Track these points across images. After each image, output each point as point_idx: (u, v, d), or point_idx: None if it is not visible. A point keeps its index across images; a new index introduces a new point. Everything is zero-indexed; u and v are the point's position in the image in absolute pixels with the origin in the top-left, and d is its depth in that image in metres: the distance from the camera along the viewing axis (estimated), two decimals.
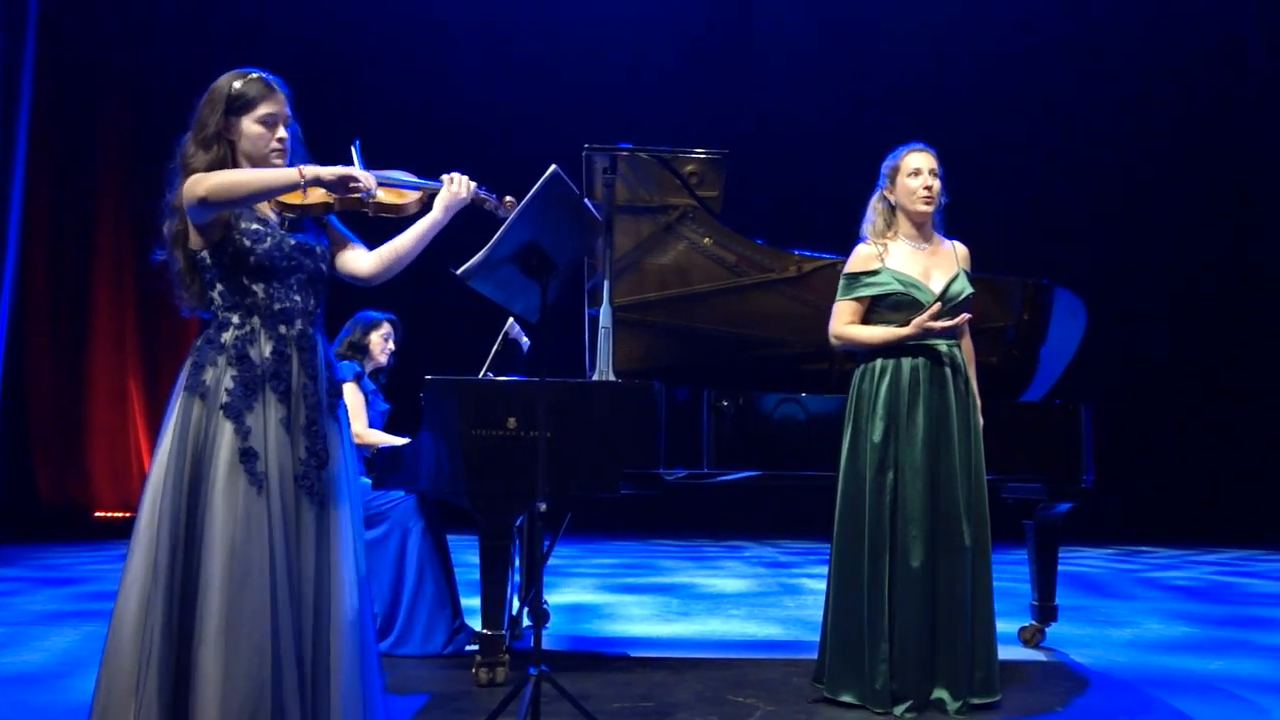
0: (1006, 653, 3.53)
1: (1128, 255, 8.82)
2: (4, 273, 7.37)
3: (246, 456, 1.86)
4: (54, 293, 8.01)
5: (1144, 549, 7.80)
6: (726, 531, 8.36)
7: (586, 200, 3.39)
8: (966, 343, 2.97)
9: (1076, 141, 8.92)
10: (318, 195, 1.93)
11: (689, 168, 3.48)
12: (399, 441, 3.44)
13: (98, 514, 7.98)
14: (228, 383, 1.89)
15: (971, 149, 8.38)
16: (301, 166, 1.91)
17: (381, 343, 3.79)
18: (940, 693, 2.71)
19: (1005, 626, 3.88)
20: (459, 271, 2.10)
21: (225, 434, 1.87)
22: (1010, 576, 4.72)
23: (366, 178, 1.93)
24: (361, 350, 3.76)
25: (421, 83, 8.65)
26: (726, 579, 5.69)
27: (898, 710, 2.68)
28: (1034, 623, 3.73)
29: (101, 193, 8.13)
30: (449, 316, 4.82)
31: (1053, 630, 3.77)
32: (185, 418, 1.88)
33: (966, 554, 2.71)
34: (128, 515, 7.83)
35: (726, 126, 8.30)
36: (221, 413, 1.88)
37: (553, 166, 2.05)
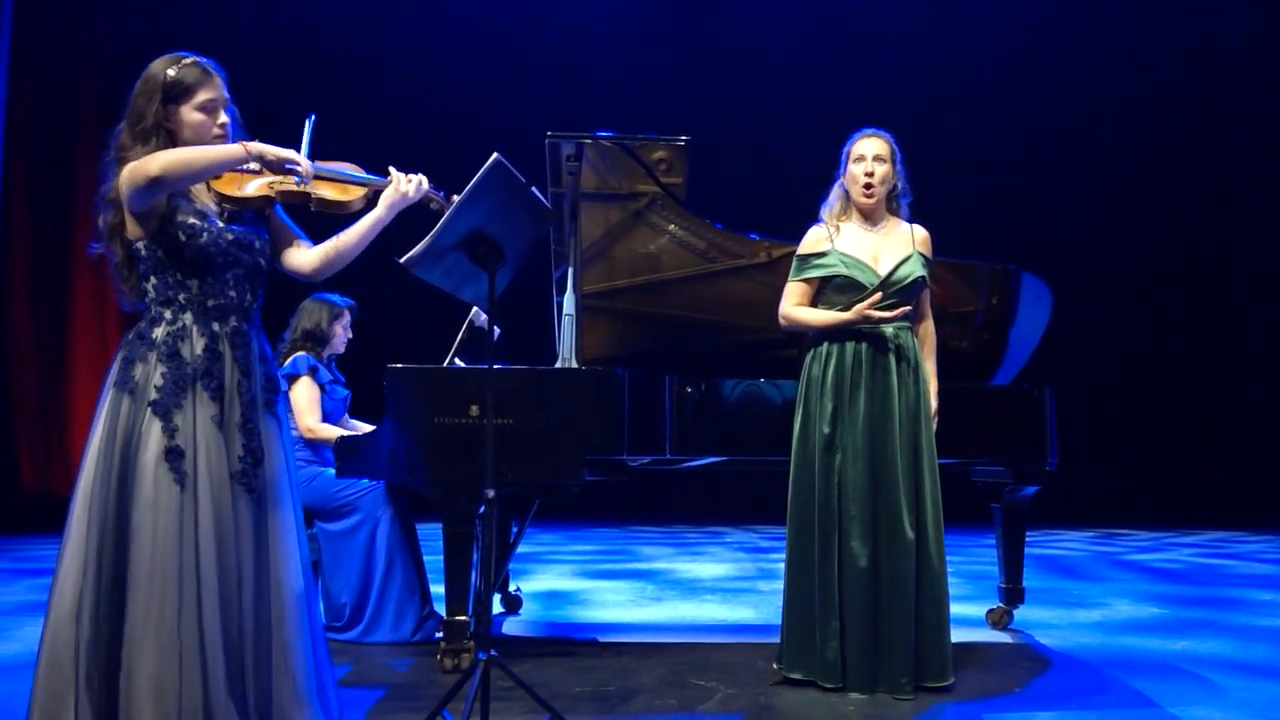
0: (973, 635, 3.57)
1: (1109, 242, 8.84)
2: None
3: (172, 454, 1.86)
4: (34, 282, 7.97)
5: (1123, 532, 7.86)
6: (708, 517, 8.40)
7: (551, 189, 3.43)
8: (927, 327, 2.99)
9: (1058, 130, 8.93)
10: (258, 188, 1.93)
11: (656, 154, 3.48)
12: (364, 430, 3.44)
13: None
14: (157, 379, 1.88)
15: (950, 136, 8.40)
16: (246, 143, 1.91)
17: (342, 332, 3.74)
18: (886, 675, 2.73)
19: (975, 609, 3.94)
20: (403, 260, 2.10)
21: (153, 431, 1.86)
22: (986, 560, 4.76)
23: (305, 164, 1.92)
24: (321, 341, 3.68)
25: (386, 68, 8.60)
26: (705, 564, 5.72)
27: (849, 694, 2.71)
28: (1001, 605, 3.76)
29: (81, 178, 8.07)
30: (409, 302, 4.82)
31: (1022, 613, 3.80)
32: (114, 414, 1.89)
33: (910, 535, 2.73)
34: None
35: (701, 113, 8.29)
36: (150, 410, 1.87)
37: (494, 155, 2.05)
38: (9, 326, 7.77)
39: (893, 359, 2.82)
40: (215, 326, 1.94)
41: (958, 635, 2.83)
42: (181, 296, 1.92)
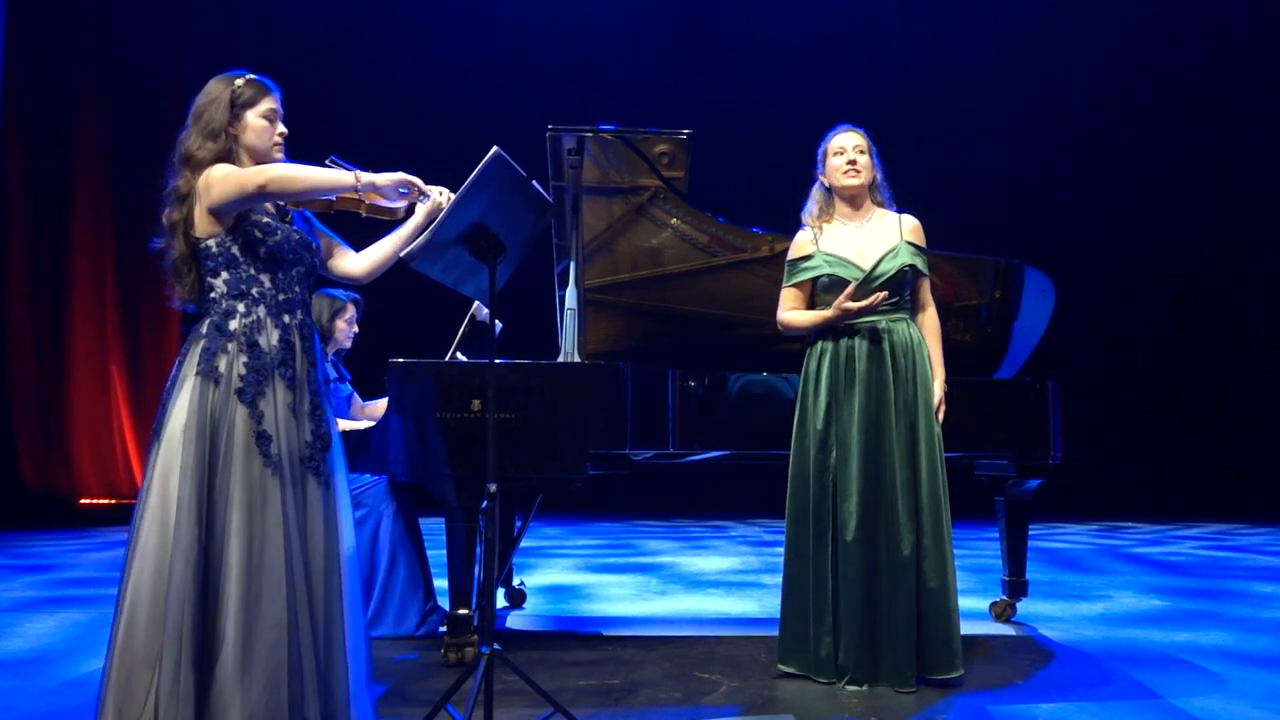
0: (976, 627, 3.57)
1: (1113, 235, 8.83)
2: None
3: (262, 439, 1.94)
4: (33, 278, 7.97)
5: (1126, 524, 7.86)
6: (712, 511, 8.40)
7: (552, 182, 3.42)
8: (928, 316, 2.97)
9: (1057, 124, 8.91)
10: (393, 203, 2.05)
11: (658, 148, 3.48)
12: (364, 425, 3.44)
13: (83, 501, 7.98)
14: (240, 369, 1.96)
15: (953, 129, 8.39)
16: (358, 172, 2.00)
17: (346, 327, 3.72)
18: (886, 668, 2.73)
19: (978, 602, 3.94)
20: (403, 254, 2.11)
21: (240, 418, 1.94)
22: (990, 553, 4.77)
23: (419, 182, 2.03)
24: (325, 336, 3.66)
25: (392, 65, 8.59)
26: (708, 558, 5.72)
27: (846, 687, 2.72)
28: (1004, 598, 3.76)
29: (79, 174, 8.06)
30: (410, 297, 4.81)
31: (1025, 605, 3.80)
32: (201, 401, 1.94)
33: (907, 529, 2.73)
34: (113, 502, 7.85)
35: (703, 106, 8.27)
36: (236, 397, 1.95)
37: (494, 148, 2.05)
38: (7, 324, 7.78)
39: (887, 351, 2.82)
40: (286, 319, 2.03)
41: (961, 628, 2.83)
42: (255, 290, 2.01)
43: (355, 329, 3.76)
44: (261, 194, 1.96)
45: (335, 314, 3.69)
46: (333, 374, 3.68)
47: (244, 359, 1.97)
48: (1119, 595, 4.43)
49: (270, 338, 2.00)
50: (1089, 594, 4.45)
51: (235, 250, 2.00)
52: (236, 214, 2.00)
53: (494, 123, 7.71)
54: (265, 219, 2.03)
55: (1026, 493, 3.68)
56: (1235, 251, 8.86)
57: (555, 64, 8.53)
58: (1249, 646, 3.34)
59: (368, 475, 3.43)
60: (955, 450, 3.21)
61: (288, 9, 8.40)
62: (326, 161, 2.10)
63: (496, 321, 3.64)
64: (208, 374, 1.96)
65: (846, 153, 2.91)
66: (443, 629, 3.32)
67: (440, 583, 3.40)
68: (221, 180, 1.96)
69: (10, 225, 7.73)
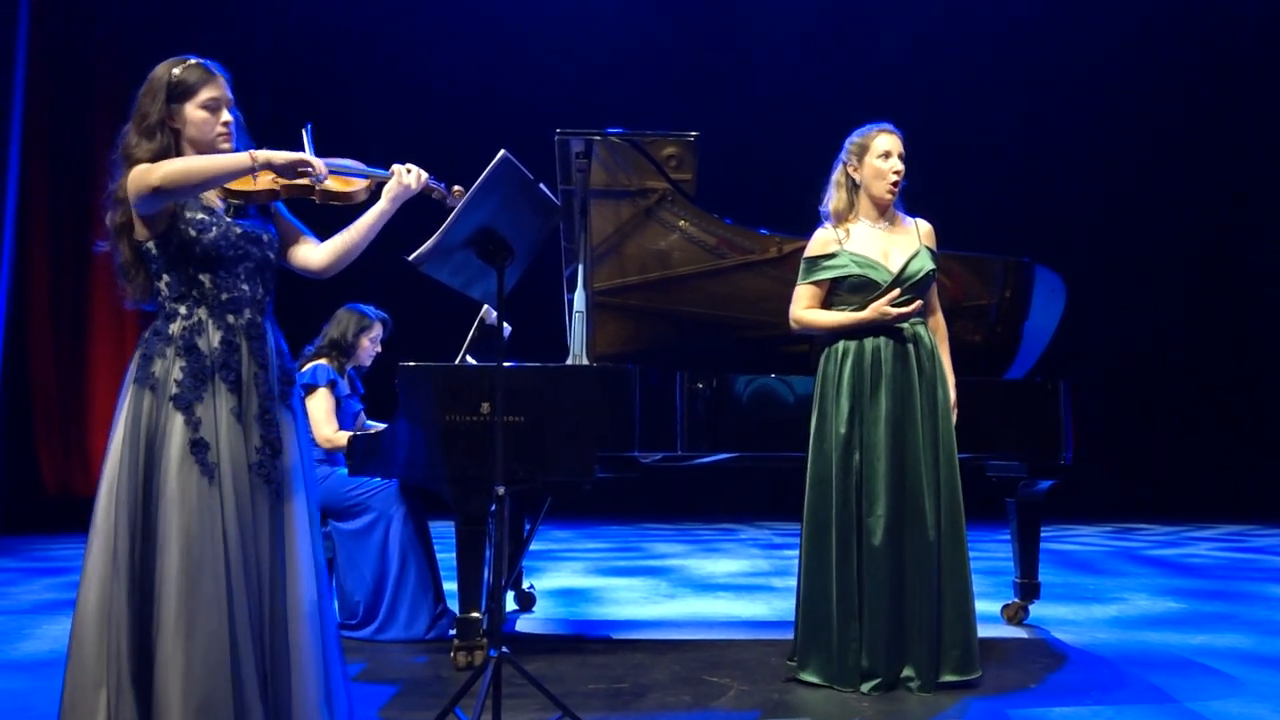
0: (988, 630, 3.54)
1: (1124, 234, 8.76)
2: (1, 262, 7.39)
3: (197, 447, 1.86)
4: (54, 282, 8.02)
5: (1139, 526, 7.80)
6: (721, 514, 8.38)
7: (561, 186, 3.42)
8: (938, 319, 2.97)
9: (1064, 123, 8.85)
10: (264, 182, 1.92)
11: (666, 150, 3.47)
12: (373, 430, 3.45)
13: None
14: (176, 374, 1.89)
15: (961, 128, 8.35)
16: (252, 151, 1.90)
17: (370, 345, 3.70)
18: (909, 671, 2.72)
19: (991, 605, 3.92)
20: (411, 257, 2.10)
21: (176, 425, 1.87)
22: (1002, 555, 4.73)
23: (317, 163, 1.91)
24: (347, 351, 3.66)
25: (393, 63, 8.60)
26: (718, 560, 5.71)
27: (865, 687, 2.70)
28: (1017, 600, 3.74)
29: (98, 181, 8.11)
30: (419, 300, 4.83)
31: (1038, 608, 3.78)
32: (136, 410, 1.89)
33: (932, 532, 2.71)
34: None
35: (710, 108, 8.26)
36: (171, 404, 1.88)
37: (501, 151, 2.05)
38: (30, 328, 7.84)
39: (911, 354, 2.80)
40: (230, 319, 1.94)
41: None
42: (195, 291, 1.93)
43: (378, 349, 3.75)
44: (160, 194, 1.84)
45: (361, 330, 3.68)
46: (346, 389, 3.68)
47: (181, 363, 1.89)
48: (1133, 597, 4.39)
49: (211, 339, 1.91)
50: (1102, 596, 4.42)
51: (172, 251, 1.91)
52: (169, 215, 1.91)
53: (503, 124, 7.73)
54: (199, 215, 1.92)
55: (1038, 494, 3.66)
56: (1250, 249, 8.77)
57: (564, 66, 8.54)
58: (1266, 649, 3.30)
59: (378, 479, 3.44)
60: (966, 451, 3.17)
61: (303, 13, 8.44)
62: (301, 131, 2.01)
63: (506, 325, 3.66)
64: (142, 381, 1.89)
65: (893, 159, 2.81)
66: (452, 632, 3.33)
67: (450, 586, 3.40)
68: (133, 184, 1.87)
69: (33, 234, 7.80)
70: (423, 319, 5.19)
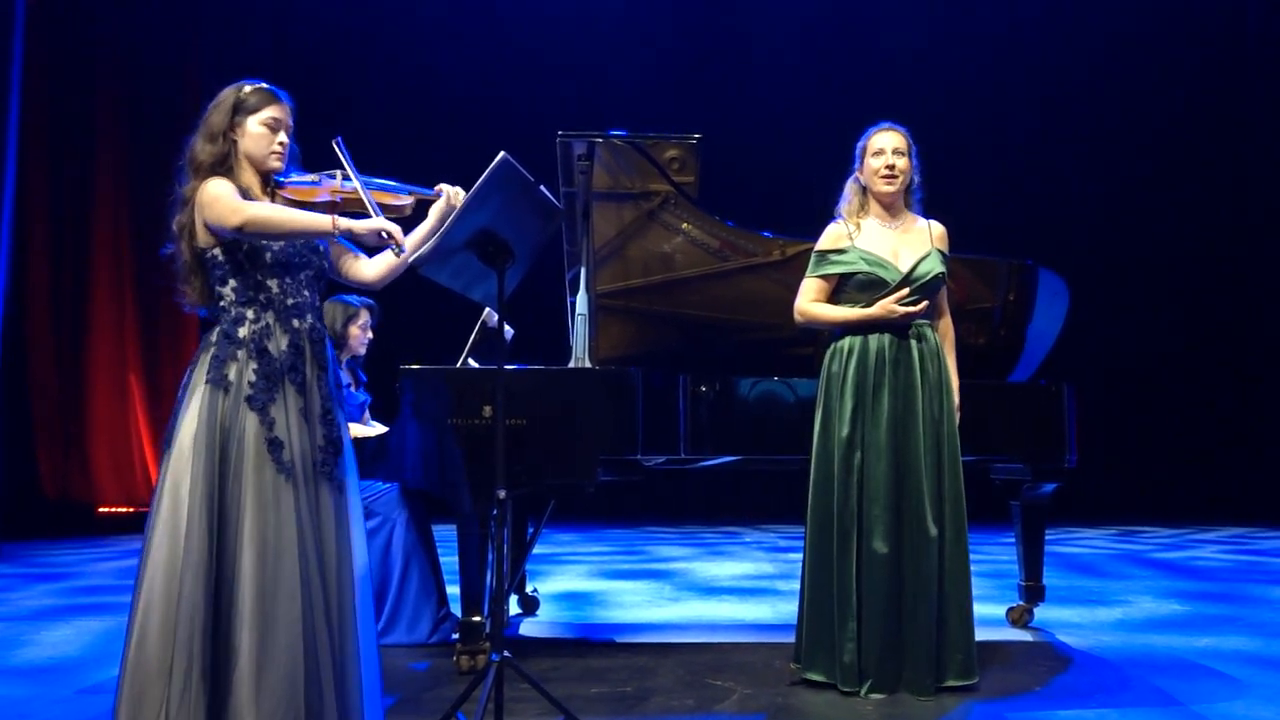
0: (993, 633, 3.54)
1: (1127, 237, 8.75)
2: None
3: (273, 446, 1.94)
4: (53, 287, 8.01)
5: (1144, 529, 7.77)
6: (725, 517, 8.37)
7: (563, 188, 3.42)
8: (945, 323, 2.96)
9: (1065, 125, 8.84)
10: (321, 195, 2.03)
11: (668, 153, 3.47)
12: (376, 432, 3.44)
13: (101, 509, 8.02)
14: (249, 375, 1.97)
15: (964, 131, 8.34)
16: (335, 218, 1.99)
17: (360, 333, 3.70)
18: (908, 675, 2.71)
19: (996, 608, 3.90)
20: (411, 259, 2.10)
21: (250, 425, 1.94)
22: (1006, 558, 4.72)
23: (397, 231, 2.00)
24: (338, 343, 3.63)
25: (393, 63, 8.60)
26: (722, 564, 5.70)
27: (864, 692, 2.69)
28: (1021, 603, 3.73)
29: (98, 186, 8.12)
30: (420, 303, 4.82)
31: (1043, 611, 3.76)
32: (211, 409, 1.94)
33: (934, 535, 2.70)
34: (132, 510, 7.88)
35: (712, 111, 8.25)
36: (246, 404, 1.95)
37: (501, 153, 2.05)
38: (29, 334, 7.83)
39: (915, 355, 2.79)
40: (295, 324, 2.03)
41: (978, 634, 2.80)
42: (263, 296, 2.01)
43: (369, 335, 3.75)
44: (241, 234, 1.95)
45: (349, 320, 3.68)
46: (347, 379, 3.68)
47: (254, 366, 1.96)
48: (1138, 600, 4.38)
49: (279, 343, 2.00)
50: (1107, 599, 4.40)
51: (240, 257, 2.00)
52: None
53: (504, 125, 7.74)
54: None
55: (1042, 497, 3.65)
56: (1253, 251, 8.76)
57: (566, 68, 8.54)
58: (1272, 651, 3.29)
59: (380, 483, 3.43)
60: (970, 454, 3.16)
61: (303, 13, 8.45)
62: (333, 144, 2.07)
63: (508, 328, 3.65)
64: (217, 382, 1.96)
65: (885, 155, 2.82)
66: (455, 636, 3.32)
67: (453, 589, 3.39)
68: (210, 205, 1.96)
69: (32, 234, 7.79)
70: (424, 322, 5.19)
